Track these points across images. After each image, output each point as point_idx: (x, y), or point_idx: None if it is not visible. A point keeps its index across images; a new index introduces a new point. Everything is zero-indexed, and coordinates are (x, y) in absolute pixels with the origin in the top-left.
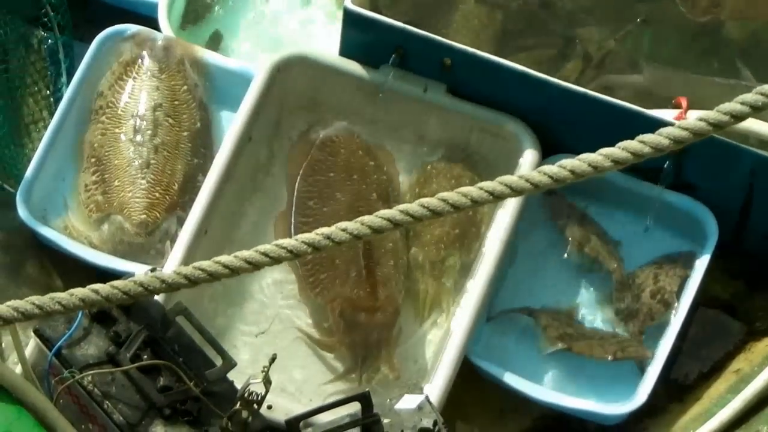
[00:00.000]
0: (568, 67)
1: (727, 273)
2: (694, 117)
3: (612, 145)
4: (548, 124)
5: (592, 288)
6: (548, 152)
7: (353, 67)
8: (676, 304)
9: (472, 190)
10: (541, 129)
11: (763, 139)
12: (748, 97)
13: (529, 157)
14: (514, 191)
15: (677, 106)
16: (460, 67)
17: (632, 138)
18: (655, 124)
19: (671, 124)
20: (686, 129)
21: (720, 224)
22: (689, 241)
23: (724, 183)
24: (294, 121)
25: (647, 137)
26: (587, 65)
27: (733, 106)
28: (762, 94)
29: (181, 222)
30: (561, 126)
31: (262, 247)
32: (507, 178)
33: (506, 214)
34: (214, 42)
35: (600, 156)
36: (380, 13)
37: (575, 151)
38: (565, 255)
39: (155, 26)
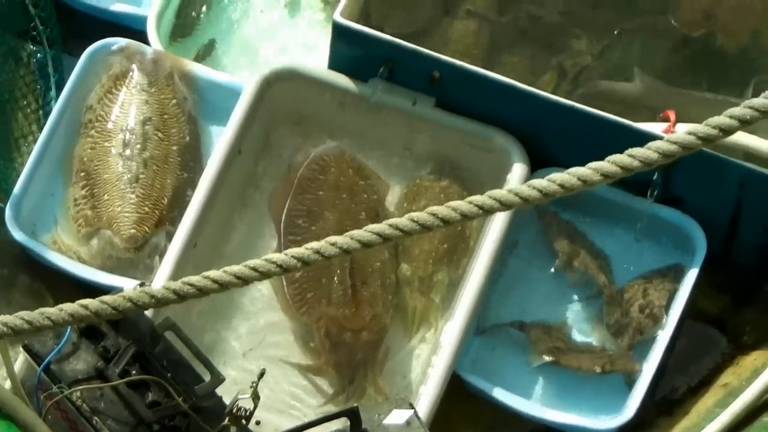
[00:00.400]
0: (544, 79)
1: (716, 287)
2: (682, 131)
3: (601, 158)
4: (537, 137)
5: (581, 302)
6: (537, 165)
7: (342, 80)
8: (664, 319)
9: (462, 204)
10: (529, 142)
11: (751, 151)
12: (737, 110)
13: (517, 170)
14: (504, 205)
15: (665, 120)
16: (448, 81)
17: (621, 151)
18: (643, 137)
19: (660, 138)
20: (675, 143)
21: (708, 238)
22: (678, 254)
23: (713, 196)
24: (283, 134)
25: (636, 151)
26: (562, 79)
27: (722, 119)
28: (750, 107)
29: (170, 237)
30: (549, 139)
31: (252, 262)
32: (496, 192)
33: (495, 228)
34: (204, 55)
35: (589, 170)
36: (371, 25)
37: (564, 164)
38: (554, 269)
39: (144, 40)
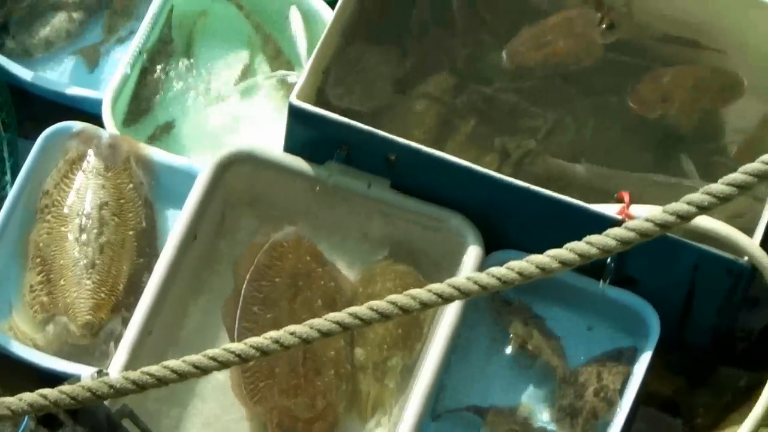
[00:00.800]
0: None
1: (670, 369)
2: (641, 215)
3: (556, 238)
4: (492, 217)
5: (536, 385)
6: (494, 245)
7: (298, 163)
8: (619, 402)
9: (421, 293)
10: (485, 223)
11: (704, 232)
12: (695, 197)
13: (472, 252)
14: (463, 293)
15: (620, 200)
16: (404, 162)
17: (577, 232)
18: (598, 219)
19: (615, 219)
20: (633, 230)
21: (662, 319)
22: (632, 336)
23: (667, 278)
24: (239, 217)
25: (595, 239)
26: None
27: (680, 206)
28: (709, 194)
29: (126, 322)
30: (505, 220)
31: (211, 352)
32: (456, 281)
33: (450, 313)
34: (160, 138)
35: (548, 258)
36: (327, 105)
37: (520, 245)
38: (509, 351)
39: (100, 123)
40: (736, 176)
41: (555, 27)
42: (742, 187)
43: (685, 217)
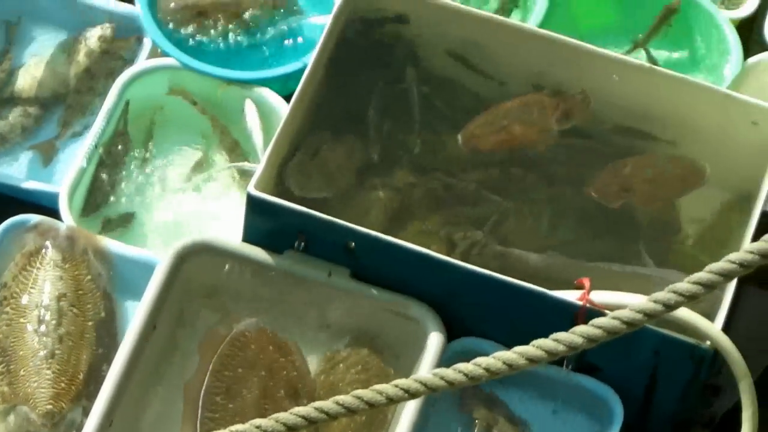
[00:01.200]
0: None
1: None
2: (609, 314)
3: (517, 325)
4: (453, 304)
5: None
6: (456, 331)
7: (256, 253)
8: None
9: (388, 388)
10: (446, 310)
11: (666, 317)
12: (661, 295)
13: (434, 339)
14: (429, 389)
15: (580, 287)
16: (363, 251)
17: (537, 318)
18: (559, 305)
19: (576, 305)
20: (600, 327)
21: (625, 406)
22: (597, 421)
23: (629, 364)
24: (198, 308)
25: (561, 336)
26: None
27: (646, 305)
28: (674, 292)
29: (86, 412)
30: (466, 307)
31: None
32: (422, 376)
33: (414, 400)
34: (117, 230)
35: (515, 354)
36: (286, 193)
37: (481, 331)
38: None
39: (58, 216)
40: (702, 275)
41: (510, 112)
42: (708, 286)
43: (651, 315)
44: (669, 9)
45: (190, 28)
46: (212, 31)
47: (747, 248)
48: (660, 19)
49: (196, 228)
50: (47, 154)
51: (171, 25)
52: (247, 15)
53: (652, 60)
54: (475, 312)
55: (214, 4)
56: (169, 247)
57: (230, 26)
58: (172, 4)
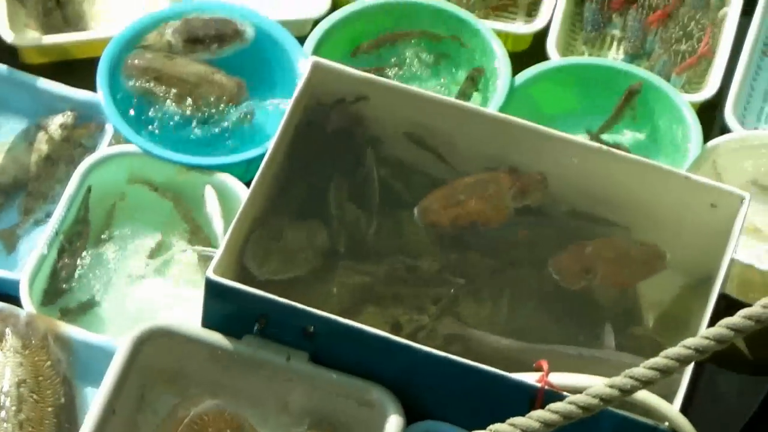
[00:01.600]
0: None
1: None
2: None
3: (476, 407)
4: (412, 388)
5: None
6: (416, 414)
7: (215, 337)
8: None
9: None
10: (406, 393)
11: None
12: (618, 380)
13: (393, 422)
14: None
15: (538, 369)
16: (322, 335)
17: (495, 401)
18: (518, 387)
19: (534, 387)
20: (556, 412)
21: None
22: None
23: None
24: (158, 392)
25: (518, 420)
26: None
27: (603, 389)
28: (631, 377)
29: None
30: (426, 390)
31: None
32: None
33: None
34: (78, 316)
35: None
36: (248, 276)
37: (440, 414)
38: None
39: (18, 303)
40: (658, 360)
41: (467, 187)
42: (664, 372)
43: (608, 400)
44: (631, 91)
45: (151, 112)
46: (176, 117)
47: (703, 334)
48: (623, 101)
49: (157, 312)
50: (9, 242)
51: (131, 83)
52: (202, 102)
53: (614, 144)
54: (435, 395)
55: (171, 77)
56: (127, 332)
57: (191, 111)
58: (137, 61)
